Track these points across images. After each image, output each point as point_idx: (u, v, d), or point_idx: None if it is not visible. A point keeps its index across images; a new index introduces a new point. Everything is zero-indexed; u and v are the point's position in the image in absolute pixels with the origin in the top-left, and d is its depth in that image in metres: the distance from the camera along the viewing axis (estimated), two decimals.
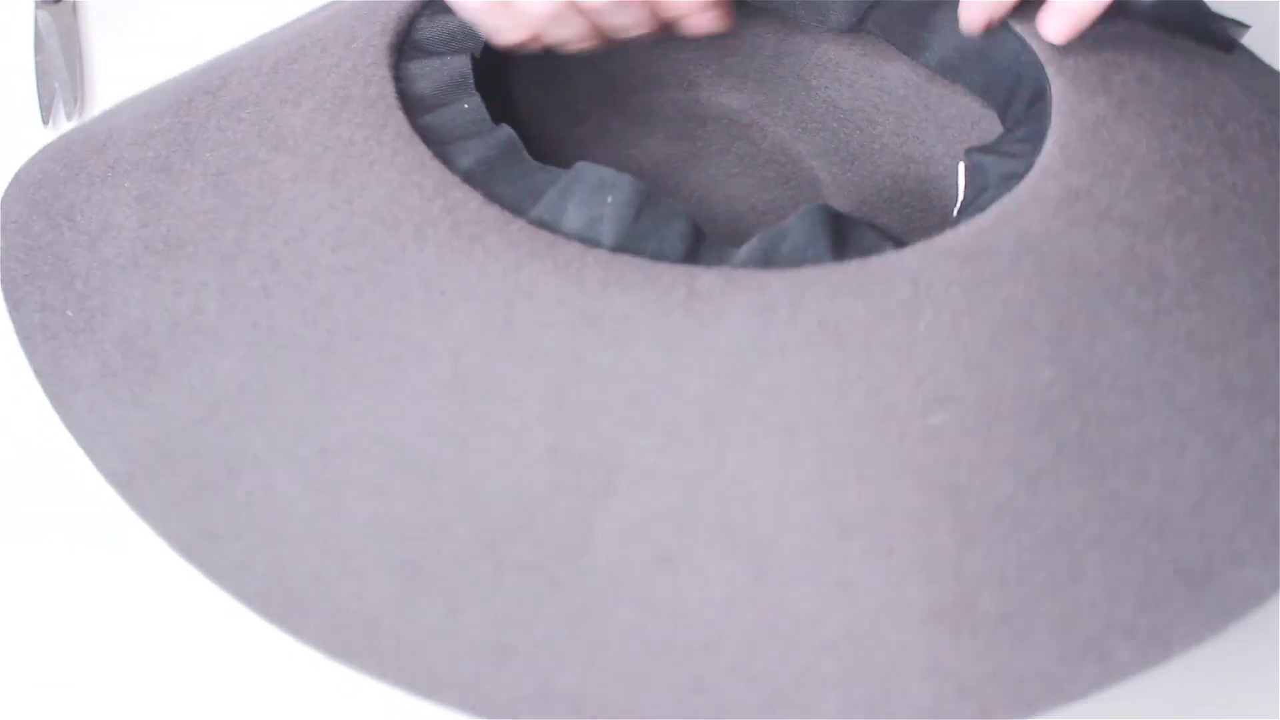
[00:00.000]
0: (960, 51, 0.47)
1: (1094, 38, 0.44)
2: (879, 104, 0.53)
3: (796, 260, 0.38)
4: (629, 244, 0.38)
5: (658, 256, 0.38)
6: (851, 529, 0.34)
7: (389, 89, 0.42)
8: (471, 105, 0.43)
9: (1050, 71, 0.43)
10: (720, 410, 0.35)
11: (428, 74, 0.44)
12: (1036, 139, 0.41)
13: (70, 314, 0.41)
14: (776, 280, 0.36)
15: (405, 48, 0.44)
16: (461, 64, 0.44)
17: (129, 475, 0.38)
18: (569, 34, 0.46)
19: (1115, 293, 0.37)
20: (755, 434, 0.35)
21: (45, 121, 0.60)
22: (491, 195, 0.39)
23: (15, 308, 0.42)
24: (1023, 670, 0.33)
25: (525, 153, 0.41)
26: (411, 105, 0.42)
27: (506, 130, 0.42)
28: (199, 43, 0.64)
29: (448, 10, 0.46)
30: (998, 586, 0.33)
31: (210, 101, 0.44)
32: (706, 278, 0.36)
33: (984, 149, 0.43)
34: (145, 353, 0.39)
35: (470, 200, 0.38)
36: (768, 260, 0.38)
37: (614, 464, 0.35)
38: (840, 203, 0.52)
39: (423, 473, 0.35)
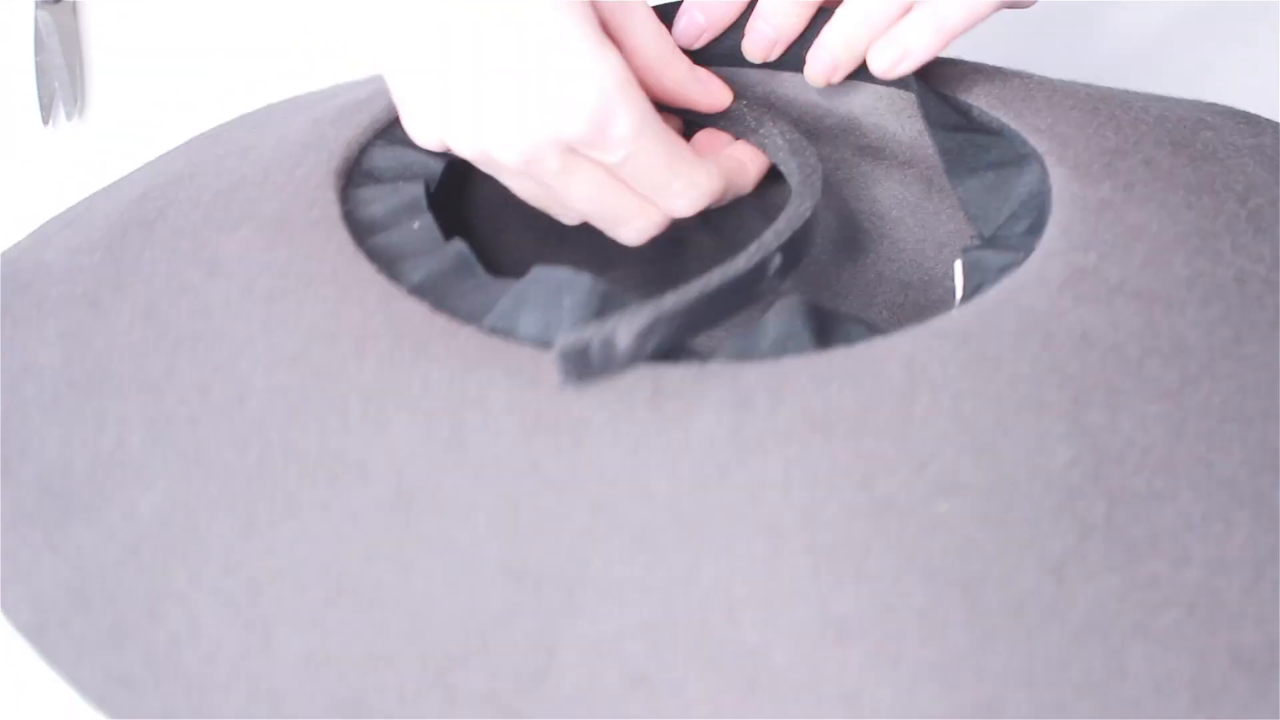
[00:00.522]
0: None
1: (1096, 126, 0.41)
2: (870, 228, 0.49)
3: (776, 356, 0.34)
4: None
5: None
6: (852, 634, 0.31)
7: (333, 211, 0.39)
8: (422, 224, 0.40)
9: (1049, 162, 0.40)
10: (694, 513, 0.32)
11: (378, 199, 0.41)
12: (1037, 229, 0.38)
13: None
14: (752, 372, 0.33)
15: (355, 175, 0.41)
16: (414, 189, 0.41)
17: (41, 624, 0.35)
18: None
19: (1134, 366, 0.34)
20: (734, 536, 0.32)
21: (45, 121, 0.60)
22: (443, 309, 0.36)
23: None
24: None
25: (479, 266, 0.38)
26: (359, 229, 0.39)
27: (458, 244, 0.39)
28: (198, 43, 0.64)
29: (403, 141, 0.42)
30: (1027, 687, 0.30)
31: (145, 235, 0.41)
32: (674, 374, 0.33)
33: (981, 245, 0.40)
34: (62, 493, 0.37)
35: (415, 312, 0.36)
36: (744, 358, 0.35)
37: (576, 579, 0.32)
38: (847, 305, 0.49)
39: (363, 600, 0.33)
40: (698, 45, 0.44)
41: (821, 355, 0.34)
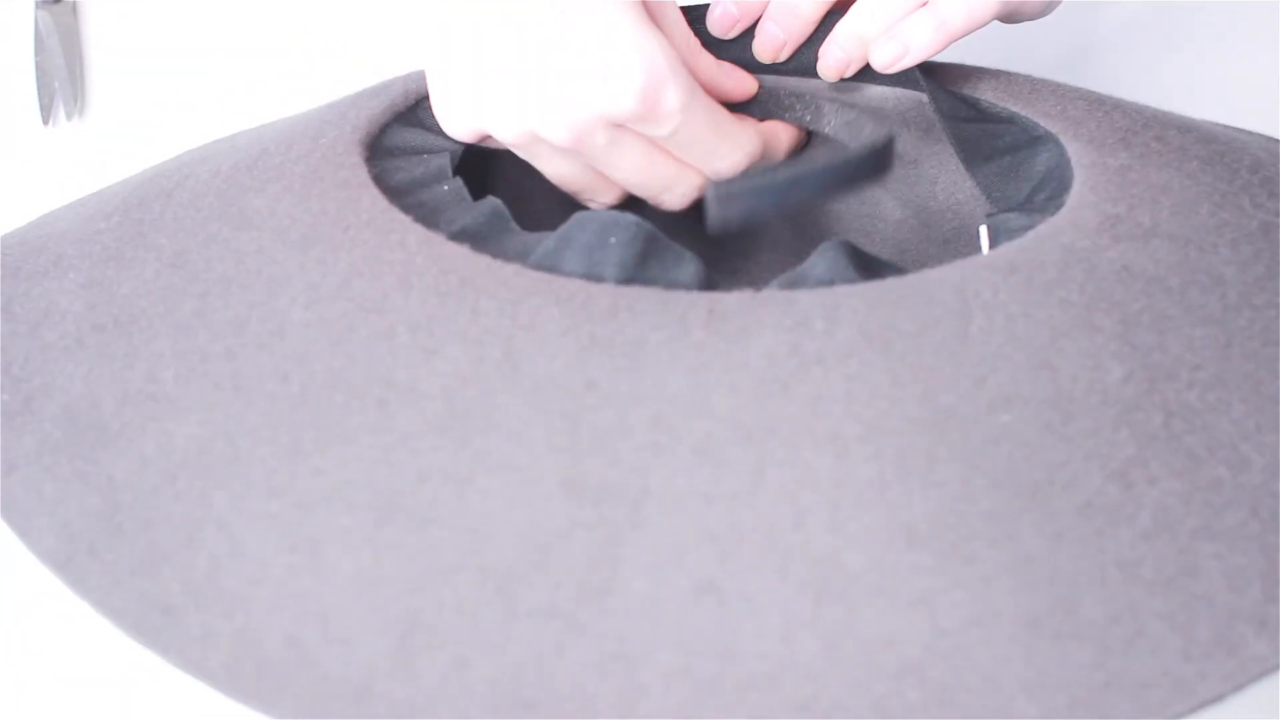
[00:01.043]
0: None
1: (1104, 112, 0.42)
2: (871, 232, 0.50)
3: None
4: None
5: None
6: (923, 538, 0.31)
7: (363, 174, 0.39)
8: (452, 186, 0.40)
9: (1065, 139, 0.41)
10: (756, 426, 0.32)
11: (404, 168, 0.41)
12: (1058, 196, 0.40)
13: (4, 398, 0.38)
14: (807, 297, 0.34)
15: (377, 150, 0.42)
16: (440, 160, 0.41)
17: (68, 554, 0.34)
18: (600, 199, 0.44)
19: (1177, 294, 0.35)
20: (799, 447, 0.32)
21: (45, 121, 0.60)
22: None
23: None
24: (1143, 674, 0.30)
25: (513, 222, 0.38)
26: (389, 191, 0.39)
27: (493, 201, 0.39)
28: (198, 43, 0.64)
29: (422, 124, 0.43)
30: (1100, 586, 0.31)
31: (164, 201, 0.42)
32: (730, 299, 0.34)
33: (1005, 211, 0.41)
34: (91, 425, 0.36)
35: (458, 253, 0.36)
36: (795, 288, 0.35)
37: (639, 492, 0.31)
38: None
39: (417, 519, 0.32)
40: (730, 35, 0.44)
41: (872, 284, 0.35)
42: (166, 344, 0.37)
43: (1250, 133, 0.46)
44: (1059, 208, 0.38)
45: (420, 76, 0.45)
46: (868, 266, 0.37)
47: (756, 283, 0.46)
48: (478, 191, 0.41)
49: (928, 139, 0.48)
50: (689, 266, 0.36)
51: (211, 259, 0.38)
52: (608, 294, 0.34)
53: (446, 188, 0.40)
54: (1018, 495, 0.31)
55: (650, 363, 0.33)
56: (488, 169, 0.47)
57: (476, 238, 0.37)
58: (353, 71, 0.55)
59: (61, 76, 0.61)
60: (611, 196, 0.43)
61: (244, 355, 0.36)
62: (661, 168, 0.41)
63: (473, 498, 0.32)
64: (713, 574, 0.31)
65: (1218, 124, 0.45)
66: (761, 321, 0.33)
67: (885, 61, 0.42)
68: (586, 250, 0.36)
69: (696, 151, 0.41)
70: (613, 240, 0.36)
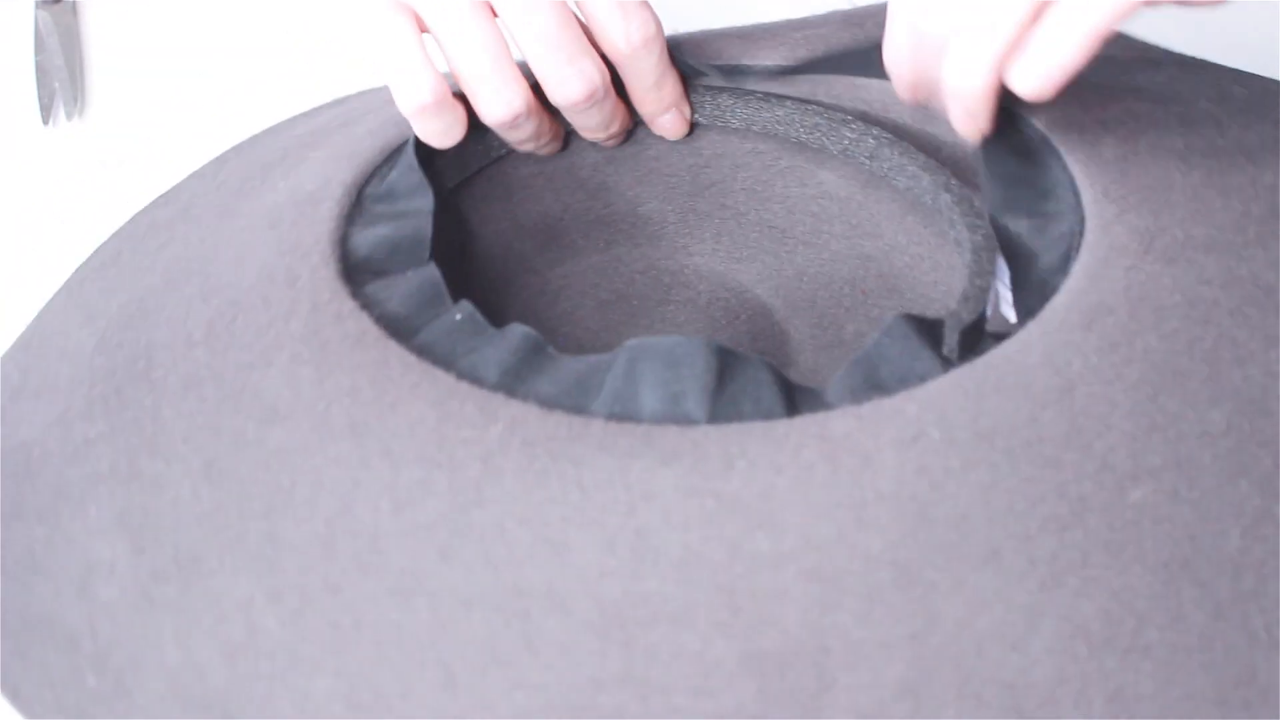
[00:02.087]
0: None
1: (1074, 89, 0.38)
2: (820, 211, 0.48)
3: (904, 379, 0.33)
4: (723, 414, 0.33)
5: (758, 417, 0.33)
6: (1098, 635, 0.30)
7: (366, 321, 0.35)
8: (463, 314, 0.37)
9: (1041, 124, 0.40)
10: (908, 557, 0.31)
11: (392, 294, 0.38)
12: (1048, 186, 0.39)
13: (92, 682, 0.33)
14: (909, 405, 0.32)
15: (351, 272, 0.38)
16: (426, 275, 0.38)
17: None
18: (522, 135, 0.42)
19: (1239, 315, 0.34)
20: (957, 570, 0.30)
21: (45, 121, 0.59)
22: (538, 398, 0.33)
23: (18, 699, 0.33)
24: None
25: (548, 345, 0.35)
26: (395, 332, 0.36)
27: (520, 329, 0.36)
28: (198, 43, 0.64)
29: (375, 219, 0.40)
30: (1273, 651, 0.30)
31: (145, 388, 0.37)
32: (836, 421, 0.32)
33: (1004, 217, 0.39)
34: (209, 701, 0.31)
35: (529, 414, 0.33)
36: (871, 386, 0.33)
37: (819, 652, 0.30)
38: (800, 321, 0.48)
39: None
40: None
41: (966, 371, 0.33)
42: (251, 584, 0.32)
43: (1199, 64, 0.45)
44: (1057, 212, 0.37)
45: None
46: (935, 335, 0.35)
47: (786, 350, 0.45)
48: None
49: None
50: (765, 375, 0.34)
51: (253, 467, 0.34)
52: (716, 443, 0.32)
53: (459, 317, 0.37)
54: (1172, 573, 0.31)
55: (785, 510, 0.31)
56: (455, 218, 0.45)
57: (521, 374, 0.35)
58: (353, 71, 0.55)
59: (61, 76, 0.60)
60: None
61: (348, 585, 0.32)
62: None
63: (655, 699, 0.30)
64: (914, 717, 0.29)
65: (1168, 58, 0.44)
66: (879, 440, 0.31)
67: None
68: (662, 385, 0.33)
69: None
70: (685, 372, 0.33)
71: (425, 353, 0.35)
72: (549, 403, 0.33)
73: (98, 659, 0.33)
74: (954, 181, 0.42)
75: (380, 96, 0.45)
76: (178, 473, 0.34)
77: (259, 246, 0.39)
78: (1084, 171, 0.38)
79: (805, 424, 0.32)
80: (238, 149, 0.49)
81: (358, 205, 0.40)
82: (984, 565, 0.31)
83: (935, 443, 0.31)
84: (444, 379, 0.34)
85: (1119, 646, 0.30)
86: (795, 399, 0.34)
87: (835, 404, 0.33)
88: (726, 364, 0.34)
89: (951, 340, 0.36)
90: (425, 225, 0.40)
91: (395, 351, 0.34)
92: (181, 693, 0.32)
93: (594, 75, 0.40)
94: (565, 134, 0.45)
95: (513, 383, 0.34)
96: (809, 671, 0.30)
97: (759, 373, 0.34)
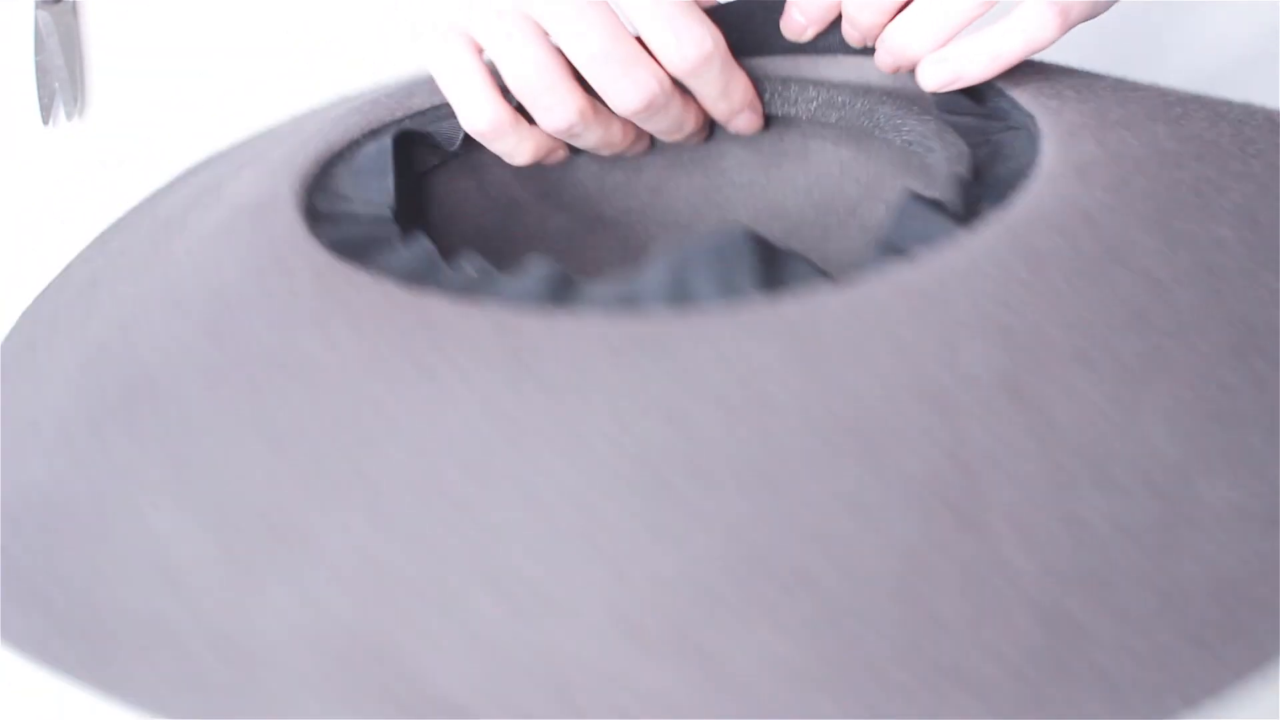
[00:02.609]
0: None
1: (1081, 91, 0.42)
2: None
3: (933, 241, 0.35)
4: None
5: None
6: (1199, 411, 0.32)
7: (383, 283, 0.35)
8: (474, 264, 0.37)
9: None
10: (1008, 372, 0.32)
11: (390, 264, 0.37)
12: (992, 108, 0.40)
13: (218, 674, 0.32)
14: (955, 251, 0.33)
15: (339, 253, 0.37)
16: (418, 246, 0.38)
17: None
18: (589, 143, 0.43)
19: (1201, 160, 0.37)
20: (1055, 376, 0.33)
21: (45, 121, 0.59)
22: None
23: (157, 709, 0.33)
24: None
25: (573, 279, 0.35)
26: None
27: (540, 262, 0.35)
28: (198, 43, 0.64)
29: (335, 220, 0.40)
30: None
31: (150, 407, 0.35)
32: (902, 274, 0.33)
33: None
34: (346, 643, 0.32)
35: (596, 320, 0.33)
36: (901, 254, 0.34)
37: (962, 471, 0.32)
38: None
39: None
40: (805, 39, 0.44)
41: (990, 225, 0.34)
42: (362, 523, 0.32)
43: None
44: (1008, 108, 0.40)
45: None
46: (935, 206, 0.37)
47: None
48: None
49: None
50: (810, 271, 0.34)
51: (321, 424, 0.33)
52: (797, 309, 0.32)
53: (471, 268, 0.37)
54: (1237, 350, 0.34)
55: (882, 357, 0.32)
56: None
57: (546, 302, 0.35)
58: (353, 71, 0.55)
59: (61, 76, 0.60)
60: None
61: (454, 499, 0.32)
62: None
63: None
64: None
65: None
66: (947, 283, 0.33)
67: (933, 86, 0.41)
68: (718, 279, 0.34)
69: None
70: (736, 264, 0.34)
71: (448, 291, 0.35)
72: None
73: (212, 646, 0.33)
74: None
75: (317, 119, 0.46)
76: (238, 458, 0.34)
77: (222, 256, 0.38)
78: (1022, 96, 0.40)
79: (878, 280, 0.33)
80: (139, 209, 0.48)
81: (310, 208, 0.40)
82: (1078, 368, 0.32)
83: (997, 275, 0.33)
84: (488, 310, 0.33)
85: (1220, 418, 0.32)
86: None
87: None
88: (771, 255, 0.34)
89: (956, 200, 0.37)
90: (385, 213, 0.40)
91: (427, 299, 0.34)
92: (316, 644, 0.32)
93: (650, 84, 0.40)
94: (649, 136, 0.46)
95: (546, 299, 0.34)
96: (959, 488, 0.31)
97: (799, 265, 0.34)
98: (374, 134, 0.43)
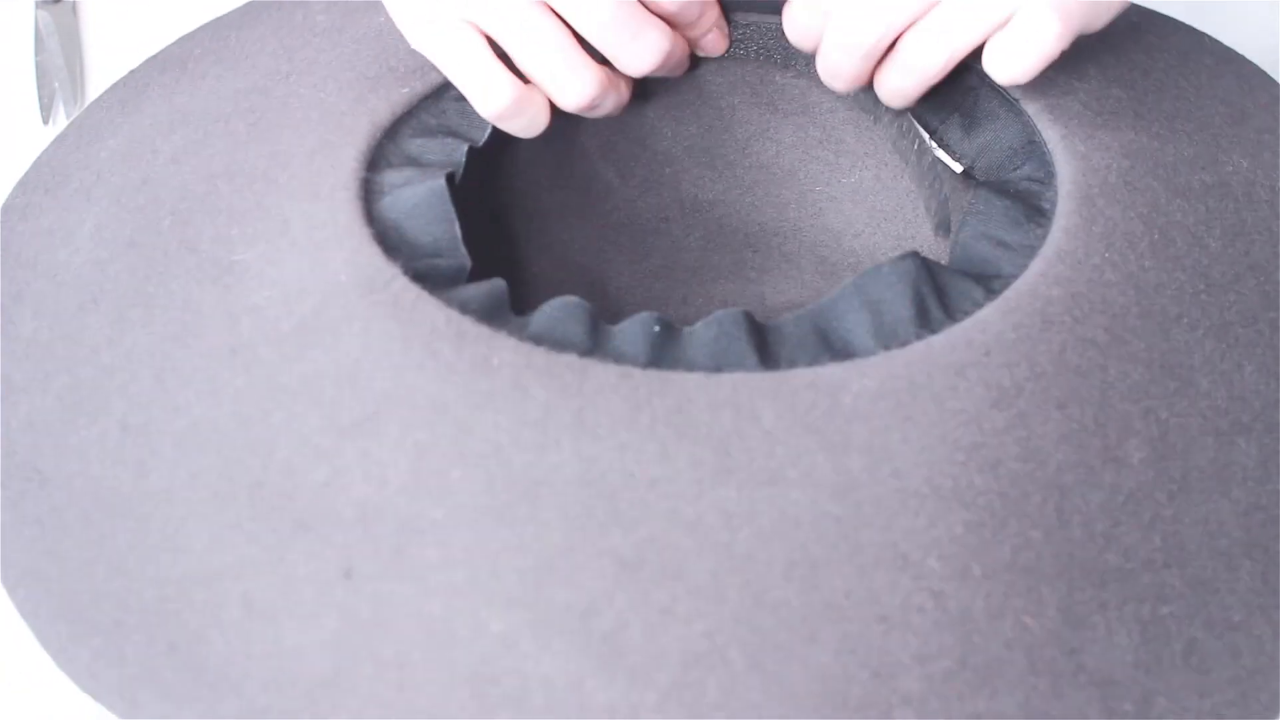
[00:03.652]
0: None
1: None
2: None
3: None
4: None
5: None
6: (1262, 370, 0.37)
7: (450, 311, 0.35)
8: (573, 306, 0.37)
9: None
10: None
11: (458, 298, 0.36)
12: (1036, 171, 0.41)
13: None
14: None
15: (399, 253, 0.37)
16: (491, 285, 0.38)
17: None
18: (604, 112, 0.43)
19: (1176, 171, 0.40)
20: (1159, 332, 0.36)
21: (45, 121, 0.59)
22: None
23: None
24: None
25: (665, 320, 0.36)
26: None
27: (645, 316, 0.36)
28: None
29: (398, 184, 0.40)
30: None
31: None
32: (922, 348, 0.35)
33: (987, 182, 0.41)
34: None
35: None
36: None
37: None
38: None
39: None
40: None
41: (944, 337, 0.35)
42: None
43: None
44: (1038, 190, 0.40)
45: None
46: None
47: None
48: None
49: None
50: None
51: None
52: (825, 382, 0.34)
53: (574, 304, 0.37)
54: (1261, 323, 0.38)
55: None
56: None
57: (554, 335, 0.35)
58: None
59: (61, 76, 0.60)
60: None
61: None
62: None
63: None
64: None
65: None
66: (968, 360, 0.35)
67: (894, 102, 0.42)
68: (873, 306, 0.36)
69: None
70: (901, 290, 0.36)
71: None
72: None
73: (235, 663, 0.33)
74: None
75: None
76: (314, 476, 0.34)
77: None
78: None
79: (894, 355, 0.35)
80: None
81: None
82: (1166, 331, 0.36)
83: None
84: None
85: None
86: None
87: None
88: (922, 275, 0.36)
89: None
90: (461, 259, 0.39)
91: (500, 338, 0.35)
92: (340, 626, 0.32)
93: (662, 43, 0.41)
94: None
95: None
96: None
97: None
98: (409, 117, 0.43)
